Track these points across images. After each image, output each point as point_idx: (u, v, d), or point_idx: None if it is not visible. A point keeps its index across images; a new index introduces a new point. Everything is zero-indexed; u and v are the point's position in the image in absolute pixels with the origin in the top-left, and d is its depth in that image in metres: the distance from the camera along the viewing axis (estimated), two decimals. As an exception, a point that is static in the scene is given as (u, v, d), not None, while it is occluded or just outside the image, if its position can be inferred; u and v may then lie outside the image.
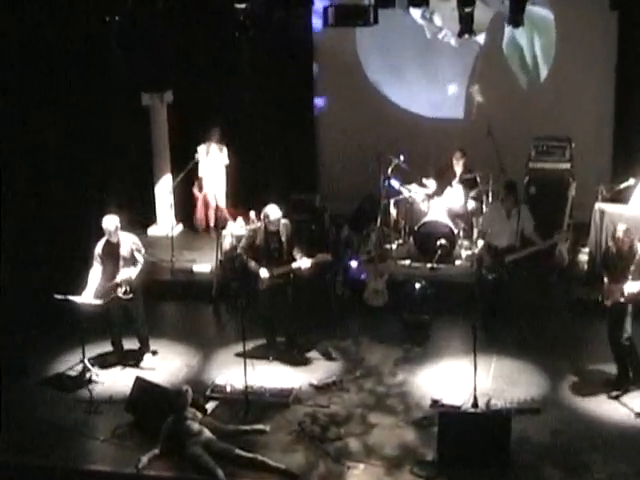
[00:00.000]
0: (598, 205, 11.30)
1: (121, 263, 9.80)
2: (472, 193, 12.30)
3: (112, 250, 9.81)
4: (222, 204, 13.17)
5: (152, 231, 13.61)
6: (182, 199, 13.12)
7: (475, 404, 8.87)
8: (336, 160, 13.93)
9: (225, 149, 13.04)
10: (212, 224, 13.22)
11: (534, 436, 8.55)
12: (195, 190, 13.27)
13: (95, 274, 9.81)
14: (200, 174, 13.06)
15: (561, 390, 9.37)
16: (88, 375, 9.71)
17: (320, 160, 14.18)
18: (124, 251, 9.82)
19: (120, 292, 9.79)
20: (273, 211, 9.85)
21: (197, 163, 12.75)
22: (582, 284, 11.20)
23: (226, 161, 13.08)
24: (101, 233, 9.87)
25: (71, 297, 9.61)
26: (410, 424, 8.83)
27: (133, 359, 10.12)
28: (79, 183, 12.66)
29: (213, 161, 13.04)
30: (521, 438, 8.44)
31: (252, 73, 13.60)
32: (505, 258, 10.34)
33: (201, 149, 12.88)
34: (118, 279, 9.78)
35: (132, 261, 9.85)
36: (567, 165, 12.11)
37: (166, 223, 13.21)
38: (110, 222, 9.78)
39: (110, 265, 9.81)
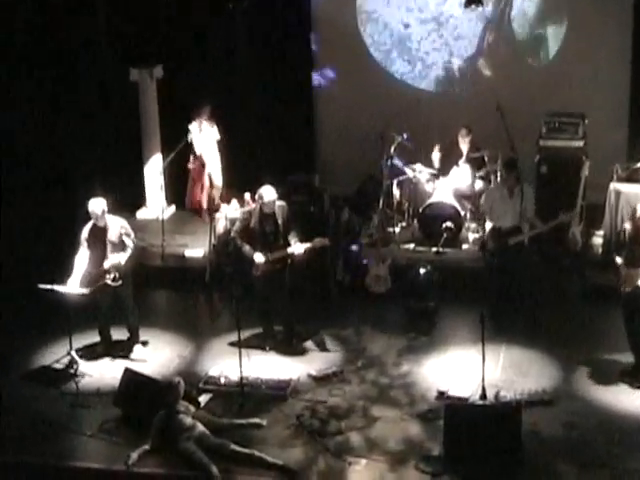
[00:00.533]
0: (613, 185, 11.26)
1: (109, 248, 9.76)
2: (480, 173, 12.27)
3: (99, 235, 9.77)
4: (219, 183, 13.09)
5: (141, 214, 13.56)
6: (173, 180, 13.09)
7: (483, 396, 8.86)
8: (336, 138, 13.87)
9: (215, 126, 12.95)
10: (205, 206, 13.13)
11: (546, 430, 8.53)
12: (191, 166, 13.09)
13: (81, 260, 9.77)
14: (198, 152, 12.94)
15: (574, 381, 9.36)
16: (75, 367, 9.69)
17: (319, 138, 14.13)
18: (112, 236, 9.78)
19: (108, 279, 9.76)
20: (268, 192, 9.80)
21: (189, 142, 12.66)
22: (596, 269, 11.17)
23: (217, 136, 13.00)
24: (87, 217, 9.83)
25: (57, 287, 9.58)
26: (415, 417, 8.83)
27: (122, 350, 10.11)
28: (63, 164, 12.60)
29: (206, 139, 12.97)
30: (532, 432, 8.42)
31: (246, 46, 13.53)
32: (509, 240, 10.27)
33: (193, 127, 12.80)
34: (106, 265, 9.74)
35: (121, 246, 9.82)
36: (580, 143, 12.05)
37: (156, 206, 13.19)
38: (97, 205, 9.72)
39: (97, 250, 9.77)
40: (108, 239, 9.76)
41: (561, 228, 10.73)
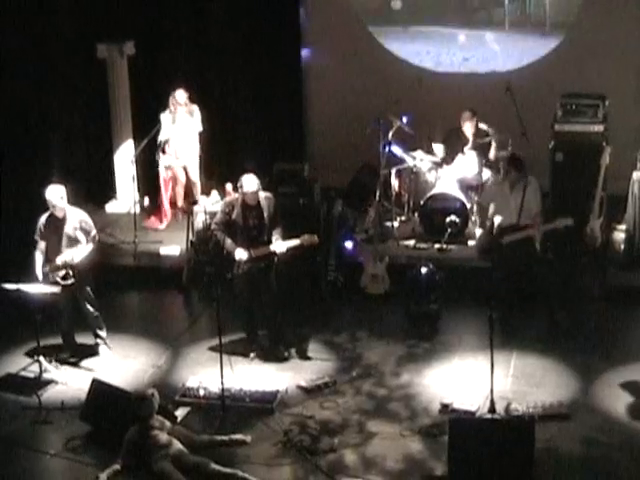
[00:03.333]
0: (637, 174, 11.28)
1: (64, 242, 9.79)
2: (487, 161, 12.26)
3: (56, 226, 9.79)
4: (195, 178, 13.00)
5: (111, 207, 13.55)
6: (146, 170, 13.05)
7: (492, 409, 8.85)
8: (328, 123, 13.87)
9: (197, 112, 12.79)
10: (180, 204, 13.04)
11: (562, 446, 8.52)
12: (161, 162, 12.98)
13: (40, 254, 9.82)
14: (169, 144, 12.80)
15: (594, 392, 9.35)
16: (45, 375, 9.69)
17: (309, 122, 14.13)
18: (69, 229, 9.80)
19: (58, 276, 9.76)
20: (249, 182, 9.79)
21: (157, 138, 12.51)
22: (618, 267, 11.20)
23: (199, 127, 12.84)
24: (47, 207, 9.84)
25: (23, 286, 9.60)
26: (416, 433, 8.81)
27: (88, 356, 10.12)
28: (24, 153, 12.55)
29: (182, 128, 12.80)
30: (547, 449, 8.41)
31: (228, 21, 13.49)
32: (503, 239, 10.28)
33: (165, 117, 12.60)
34: (58, 261, 9.77)
35: (77, 241, 9.84)
36: (600, 127, 12.05)
37: (127, 198, 13.15)
38: (53, 193, 9.71)
39: (53, 244, 9.81)
40: (65, 232, 9.77)
41: (578, 221, 10.71)
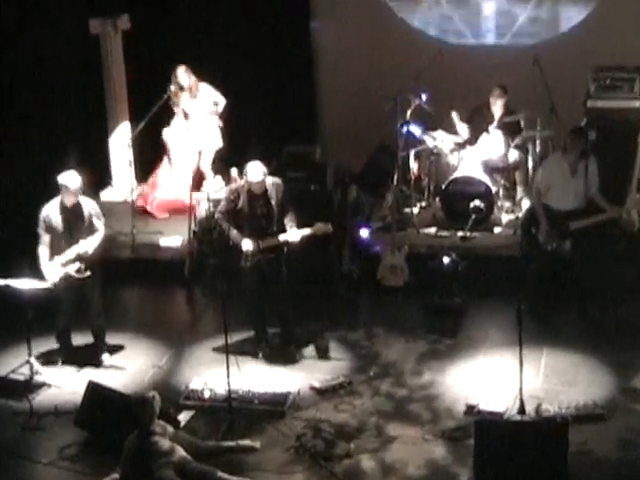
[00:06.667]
0: (678, 153, 11.25)
1: (77, 233, 9.78)
2: (515, 141, 12.28)
3: (68, 217, 9.78)
4: (205, 168, 13.03)
5: (106, 195, 13.59)
6: (145, 153, 13.07)
7: (522, 410, 8.84)
8: (341, 101, 13.88)
9: (208, 90, 12.80)
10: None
11: (597, 450, 8.51)
12: (167, 140, 13.04)
13: (45, 248, 9.79)
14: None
15: (631, 391, 9.33)
16: (37, 377, 9.72)
17: (320, 101, 14.15)
18: (84, 218, 9.81)
19: (73, 270, 9.76)
20: (254, 171, 9.78)
21: (170, 97, 12.54)
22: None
23: (217, 107, 12.85)
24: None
25: (13, 282, 9.62)
26: (439, 436, 8.81)
27: (85, 358, 10.11)
28: (13, 136, 12.57)
29: (195, 109, 12.87)
30: (581, 452, 8.41)
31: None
32: (570, 225, 10.25)
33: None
34: (72, 253, 9.74)
35: (88, 231, 9.85)
36: (636, 103, 12.08)
37: (124, 185, 13.19)
38: (72, 179, 9.68)
39: (64, 235, 9.79)
40: (79, 222, 9.77)
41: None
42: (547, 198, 10.52)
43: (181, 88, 12.82)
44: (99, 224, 9.91)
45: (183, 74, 12.76)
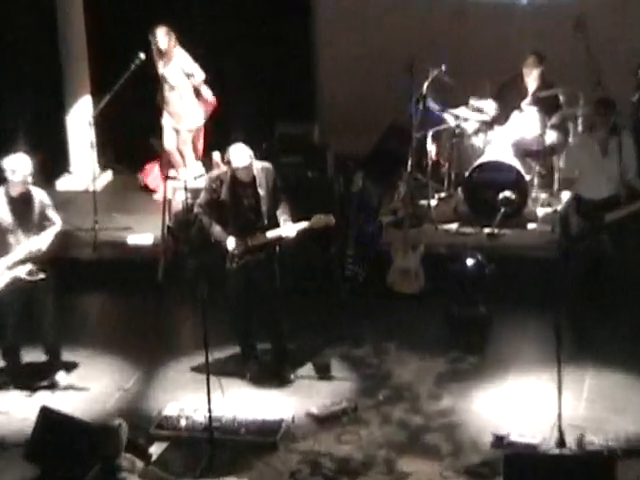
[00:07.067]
0: None
1: (28, 229, 9.80)
2: (553, 119, 12.28)
3: (15, 209, 9.80)
4: (184, 149, 13.11)
5: (64, 184, 13.69)
6: (109, 133, 13.06)
7: (561, 442, 8.84)
8: (343, 72, 13.93)
9: (183, 57, 12.82)
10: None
11: (651, 489, 8.56)
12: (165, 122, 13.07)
13: None
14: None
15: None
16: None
17: (319, 72, 14.20)
18: (34, 210, 9.82)
19: (23, 272, 9.79)
20: (238, 155, 9.77)
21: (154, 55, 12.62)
22: None
23: (197, 76, 12.85)
24: None
25: None
26: (461, 473, 8.81)
27: (37, 379, 10.11)
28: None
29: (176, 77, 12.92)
30: (632, 492, 8.44)
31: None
32: (605, 217, 10.24)
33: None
34: (21, 252, 9.76)
35: (41, 226, 9.87)
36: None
37: (85, 171, 13.22)
38: (20, 164, 9.68)
39: (10, 232, 9.80)
40: (28, 215, 9.78)
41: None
42: (578, 186, 10.51)
43: (160, 53, 12.76)
44: (54, 216, 9.93)
45: (163, 37, 12.70)
